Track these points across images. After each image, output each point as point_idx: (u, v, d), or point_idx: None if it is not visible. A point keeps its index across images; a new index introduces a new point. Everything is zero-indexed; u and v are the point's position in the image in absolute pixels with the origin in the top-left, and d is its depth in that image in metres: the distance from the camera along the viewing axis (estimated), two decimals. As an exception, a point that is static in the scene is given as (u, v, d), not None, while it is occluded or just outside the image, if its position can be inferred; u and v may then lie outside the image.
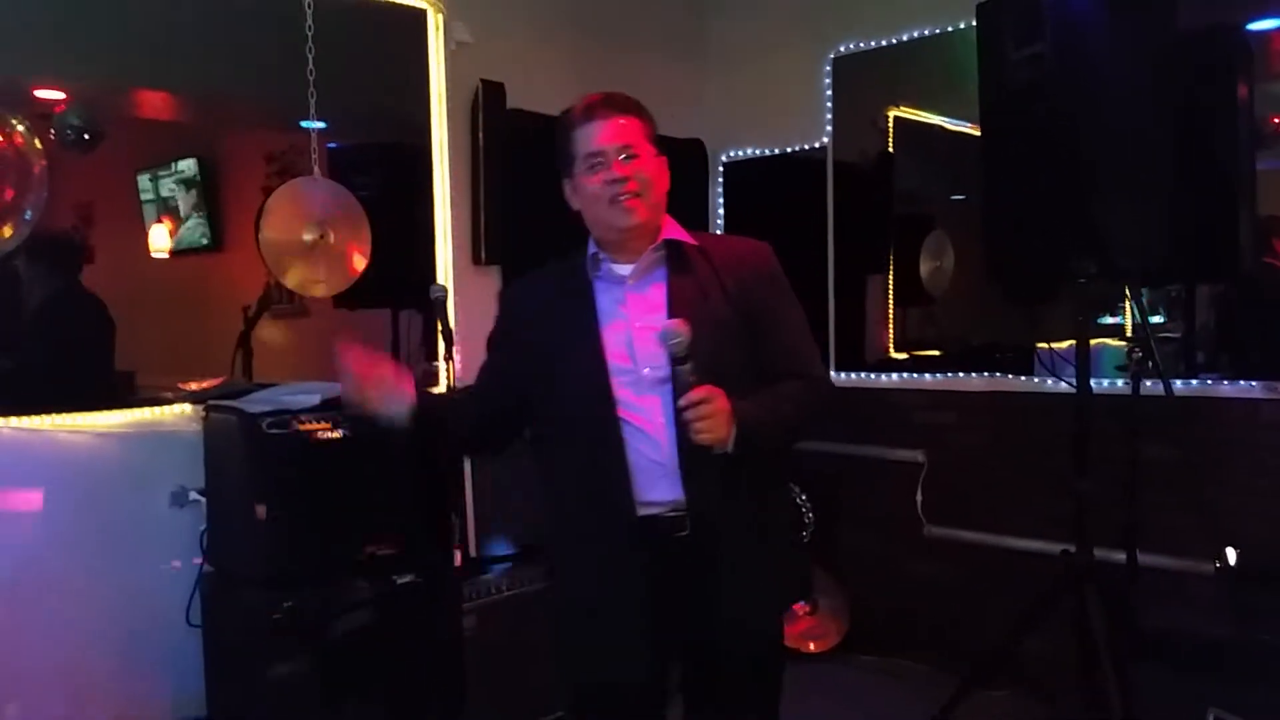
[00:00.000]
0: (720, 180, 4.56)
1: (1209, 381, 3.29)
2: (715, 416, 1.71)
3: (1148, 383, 3.13)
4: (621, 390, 1.84)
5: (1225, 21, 3.30)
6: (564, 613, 1.98)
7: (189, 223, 3.41)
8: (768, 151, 4.43)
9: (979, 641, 3.37)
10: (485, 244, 3.73)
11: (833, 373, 4.20)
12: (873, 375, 4.16)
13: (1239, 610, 2.79)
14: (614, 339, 1.87)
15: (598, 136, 1.86)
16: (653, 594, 1.83)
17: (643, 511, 1.83)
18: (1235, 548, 2.86)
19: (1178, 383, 3.23)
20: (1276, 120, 3.26)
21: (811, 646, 3.97)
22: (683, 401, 1.70)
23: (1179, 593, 3.15)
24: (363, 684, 2.81)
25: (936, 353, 4.15)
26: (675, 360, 1.72)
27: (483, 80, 3.71)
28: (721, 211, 4.57)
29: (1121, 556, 3.12)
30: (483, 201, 3.71)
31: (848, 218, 4.26)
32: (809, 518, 4.08)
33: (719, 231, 4.52)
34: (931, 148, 4.23)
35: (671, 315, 1.81)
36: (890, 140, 4.24)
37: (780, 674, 2.00)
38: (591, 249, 1.93)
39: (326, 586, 2.77)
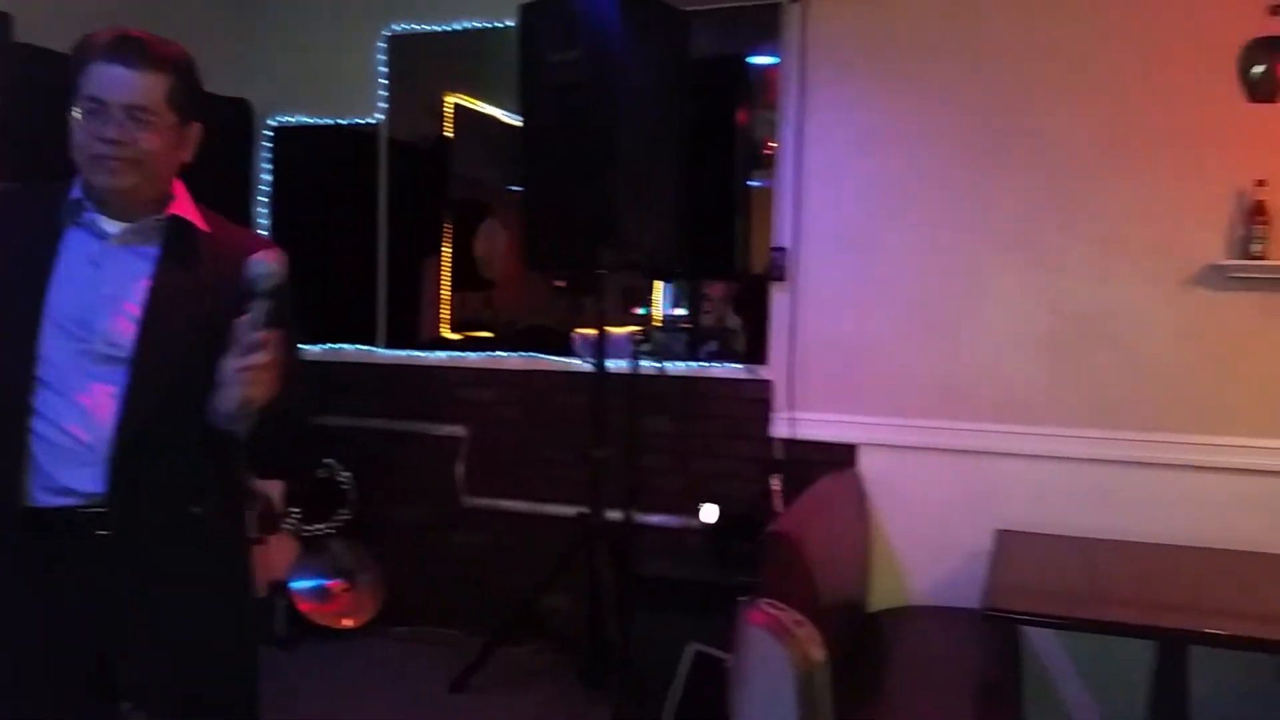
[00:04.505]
0: (269, 146, 4.40)
1: (704, 364, 3.79)
2: (272, 369, 1.53)
3: (651, 364, 3.56)
4: (60, 354, 1.59)
5: (730, 52, 3.81)
6: None
7: None
8: (321, 121, 4.34)
9: (507, 603, 3.61)
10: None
11: (381, 350, 4.25)
12: (420, 353, 4.24)
13: (718, 557, 3.27)
14: (71, 297, 1.61)
15: (107, 86, 1.59)
16: (63, 603, 1.59)
17: (50, 501, 1.57)
18: (717, 504, 3.35)
19: (681, 364, 3.71)
20: (771, 144, 3.73)
21: (347, 623, 3.97)
22: (257, 336, 1.51)
23: (673, 545, 3.61)
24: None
25: (490, 334, 4.33)
26: (261, 296, 1.54)
27: (-14, 6, 3.27)
28: (269, 179, 4.40)
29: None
30: (-18, 142, 3.26)
31: (403, 197, 4.29)
32: (352, 495, 4.09)
33: (263, 200, 4.36)
34: (488, 137, 4.38)
35: (153, 297, 1.63)
36: (449, 125, 4.34)
37: (247, 688, 1.79)
38: (76, 193, 1.66)
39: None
